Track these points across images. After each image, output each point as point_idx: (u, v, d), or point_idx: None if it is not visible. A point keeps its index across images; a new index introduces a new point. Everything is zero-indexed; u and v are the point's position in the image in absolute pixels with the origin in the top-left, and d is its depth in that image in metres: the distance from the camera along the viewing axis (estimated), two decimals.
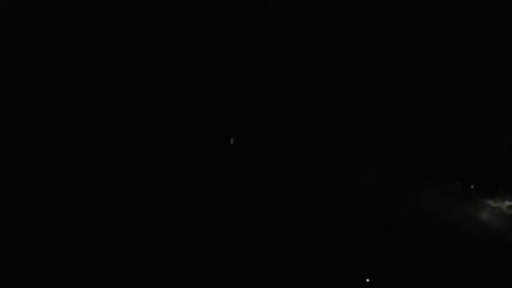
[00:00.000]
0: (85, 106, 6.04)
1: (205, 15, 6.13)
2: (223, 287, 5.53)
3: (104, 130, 6.04)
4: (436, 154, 5.83)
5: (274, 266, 5.59)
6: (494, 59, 5.91)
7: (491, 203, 5.70)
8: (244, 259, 5.62)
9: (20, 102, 6.00)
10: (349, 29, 6.08)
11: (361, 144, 5.87)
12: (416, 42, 6.01)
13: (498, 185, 5.72)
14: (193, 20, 6.15)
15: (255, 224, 5.79)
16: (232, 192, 5.88)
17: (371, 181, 5.76)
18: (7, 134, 5.92)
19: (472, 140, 5.80)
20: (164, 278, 5.59)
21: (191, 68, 6.15)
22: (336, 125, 6.02)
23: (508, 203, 5.69)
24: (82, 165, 5.93)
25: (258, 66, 6.16)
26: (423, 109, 5.92)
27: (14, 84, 5.98)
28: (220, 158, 6.02)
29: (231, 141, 5.66)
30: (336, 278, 5.54)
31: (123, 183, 5.92)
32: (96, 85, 6.10)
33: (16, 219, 5.70)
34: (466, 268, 5.49)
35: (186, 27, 6.15)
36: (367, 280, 5.44)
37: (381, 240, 5.64)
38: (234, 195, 5.87)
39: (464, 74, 5.91)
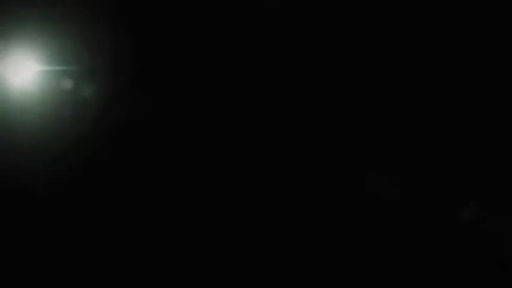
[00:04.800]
0: (85, 105, 6.04)
1: (205, 16, 6.14)
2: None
3: (104, 130, 6.04)
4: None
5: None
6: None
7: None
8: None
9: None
10: (352, 30, 6.09)
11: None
12: (419, 43, 6.02)
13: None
14: (193, 20, 6.16)
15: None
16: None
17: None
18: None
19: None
20: (166, 278, 5.60)
21: (191, 69, 6.15)
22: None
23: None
24: (81, 164, 5.93)
25: (259, 67, 6.16)
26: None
27: None
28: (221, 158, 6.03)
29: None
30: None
31: (123, 183, 5.93)
32: (96, 85, 6.10)
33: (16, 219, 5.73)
34: None
35: (186, 27, 6.15)
36: None
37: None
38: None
39: None
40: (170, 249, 5.67)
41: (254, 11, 6.02)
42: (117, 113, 5.90)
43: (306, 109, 6.03)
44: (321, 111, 6.06)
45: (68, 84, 5.82)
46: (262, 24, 6.06)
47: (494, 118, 5.85)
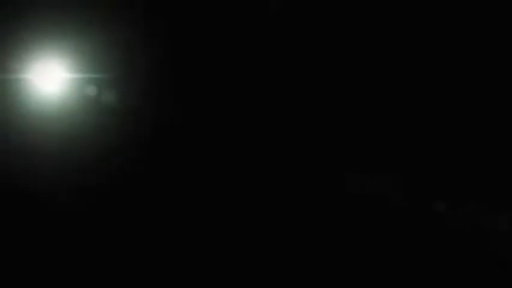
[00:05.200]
0: (113, 113, 6.04)
1: (207, 17, 6.13)
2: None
3: (133, 137, 6.04)
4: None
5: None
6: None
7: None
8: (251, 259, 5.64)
9: None
10: (352, 30, 6.08)
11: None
12: (419, 42, 6.02)
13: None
14: (195, 21, 6.15)
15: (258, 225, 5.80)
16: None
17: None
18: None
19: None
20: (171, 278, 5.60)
21: (192, 70, 6.14)
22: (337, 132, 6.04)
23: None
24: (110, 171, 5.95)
25: (260, 68, 6.15)
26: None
27: None
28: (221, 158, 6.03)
29: None
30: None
31: (123, 183, 5.93)
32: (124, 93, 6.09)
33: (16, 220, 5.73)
34: None
35: (188, 28, 6.14)
36: None
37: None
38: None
39: None
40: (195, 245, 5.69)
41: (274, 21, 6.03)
42: (145, 119, 5.91)
43: (310, 112, 6.04)
44: (323, 114, 6.07)
45: (95, 91, 5.82)
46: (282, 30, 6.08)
47: (494, 119, 5.86)
